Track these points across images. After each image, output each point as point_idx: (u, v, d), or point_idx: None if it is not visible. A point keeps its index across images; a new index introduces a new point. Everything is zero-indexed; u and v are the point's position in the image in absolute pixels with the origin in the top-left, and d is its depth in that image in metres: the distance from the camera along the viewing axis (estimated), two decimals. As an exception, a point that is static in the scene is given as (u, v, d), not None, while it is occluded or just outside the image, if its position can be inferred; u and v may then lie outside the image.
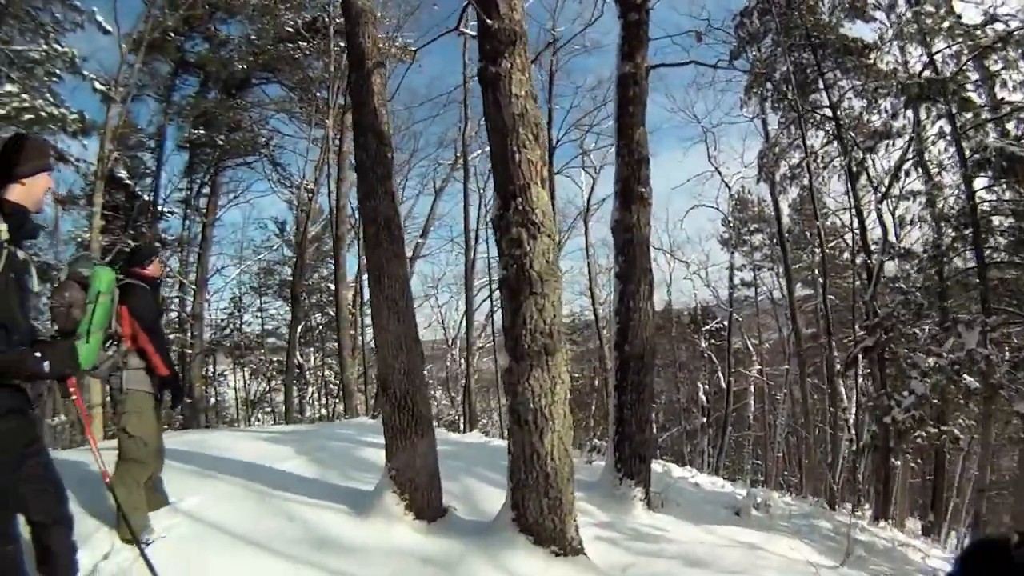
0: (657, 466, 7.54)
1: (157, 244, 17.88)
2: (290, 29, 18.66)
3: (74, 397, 3.00)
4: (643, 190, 5.97)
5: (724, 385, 24.35)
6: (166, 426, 17.68)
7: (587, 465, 7.20)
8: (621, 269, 6.02)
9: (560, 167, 18.60)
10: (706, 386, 26.47)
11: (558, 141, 18.09)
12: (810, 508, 8.97)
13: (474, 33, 4.72)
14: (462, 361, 22.20)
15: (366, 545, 4.11)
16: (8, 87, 12.72)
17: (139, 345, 4.08)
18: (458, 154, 19.99)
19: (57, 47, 13.95)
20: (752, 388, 27.14)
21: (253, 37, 19.39)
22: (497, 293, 13.76)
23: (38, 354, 2.49)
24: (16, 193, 2.60)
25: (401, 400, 4.46)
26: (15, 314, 2.51)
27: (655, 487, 6.18)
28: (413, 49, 15.84)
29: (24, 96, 12.57)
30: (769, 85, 16.13)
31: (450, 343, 26.26)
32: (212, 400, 24.54)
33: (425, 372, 5.20)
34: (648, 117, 6.23)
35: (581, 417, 21.07)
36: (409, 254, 21.79)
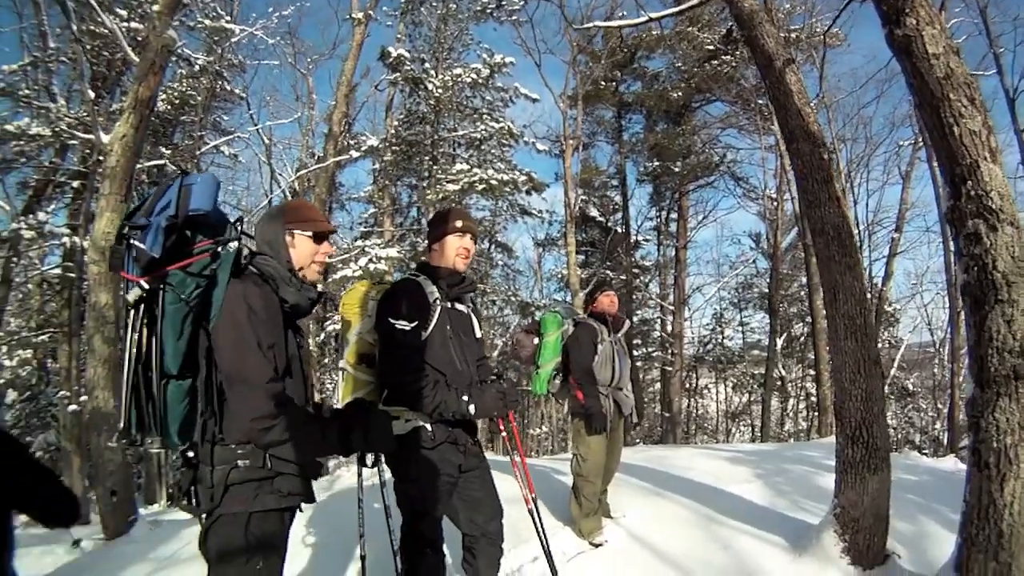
0: None
1: (617, 279, 19.56)
2: (710, 47, 18.69)
3: (503, 433, 3.36)
4: None
5: None
6: (639, 440, 19.17)
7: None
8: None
9: (1028, 120, 14.29)
10: None
11: (1016, 91, 14.06)
12: None
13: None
14: (949, 368, 18.65)
15: (787, 588, 3.74)
16: (458, 166, 15.60)
17: (571, 376, 4.72)
18: (915, 131, 16.96)
19: (494, 124, 16.59)
20: None
21: (679, 64, 20.11)
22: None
23: (465, 397, 2.88)
24: (435, 258, 3.16)
25: (856, 430, 3.94)
26: (454, 362, 3.00)
27: None
28: (830, 31, 14.30)
29: (475, 170, 15.15)
30: None
31: (937, 346, 22.37)
32: (694, 412, 25.52)
33: (885, 392, 4.54)
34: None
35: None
36: (886, 252, 19.58)
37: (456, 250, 3.11)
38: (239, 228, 2.30)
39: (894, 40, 3.26)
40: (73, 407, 11.55)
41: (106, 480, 5.82)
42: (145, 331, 2.06)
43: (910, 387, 22.42)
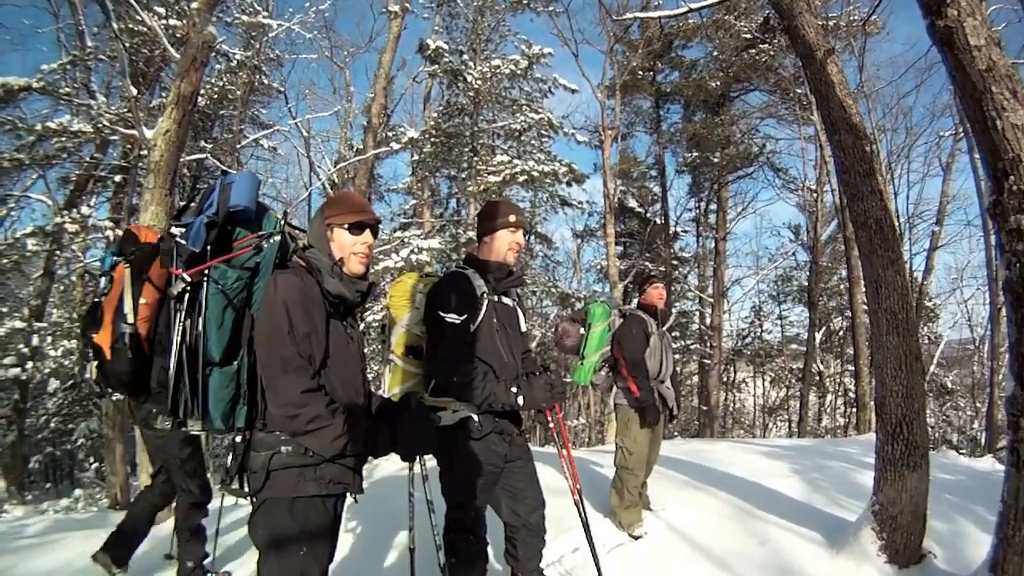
0: None
1: (656, 270, 19.41)
2: (747, 36, 18.42)
3: (551, 424, 3.39)
4: None
5: None
6: (676, 434, 19.05)
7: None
8: None
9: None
10: None
11: None
12: None
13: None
14: (989, 366, 18.11)
15: (823, 584, 3.73)
16: (499, 157, 15.63)
17: (621, 368, 4.70)
18: (956, 121, 16.40)
19: (534, 115, 16.59)
20: None
21: (716, 54, 19.84)
22: None
23: (514, 389, 2.93)
24: (484, 251, 3.18)
25: (896, 427, 3.91)
26: (501, 354, 3.05)
27: None
28: (870, 19, 13.98)
29: (516, 161, 15.14)
30: None
31: (977, 344, 21.73)
32: (732, 406, 25.29)
33: (926, 388, 4.46)
34: None
35: None
36: (927, 246, 19.14)
37: (508, 244, 3.13)
38: (284, 222, 2.41)
39: (935, 31, 3.21)
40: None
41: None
42: (188, 321, 2.17)
43: (949, 385, 21.86)
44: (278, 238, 2.34)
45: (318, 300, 2.30)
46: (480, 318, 2.98)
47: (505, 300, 3.19)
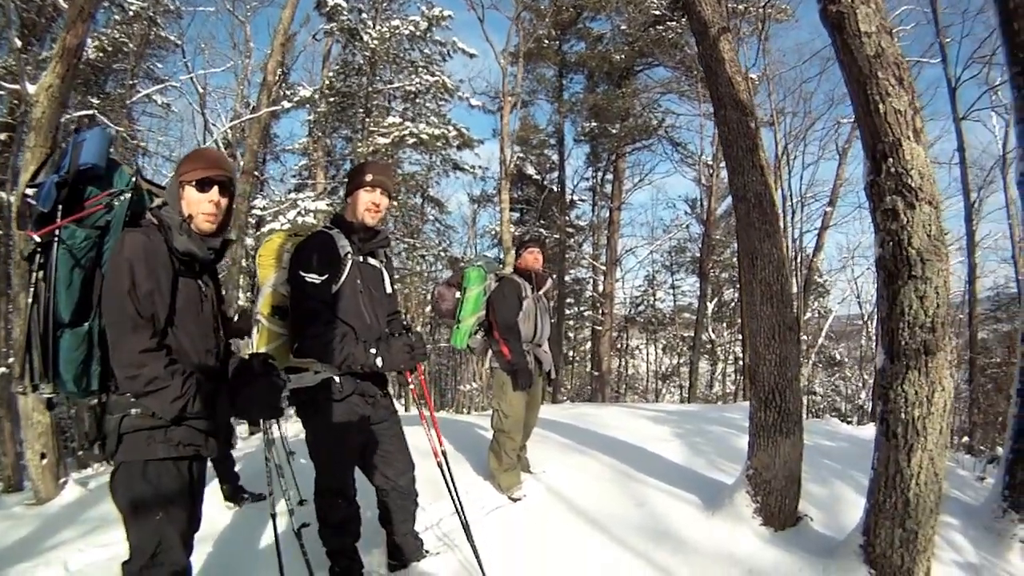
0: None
1: (550, 237, 19.68)
2: (656, 12, 18.66)
3: (411, 386, 3.38)
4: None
5: None
6: (566, 398, 19.55)
7: (977, 483, 5.58)
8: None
9: (966, 111, 14.65)
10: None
11: (958, 80, 14.67)
12: None
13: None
14: (875, 340, 19.30)
15: (699, 545, 3.87)
16: (390, 119, 15.43)
17: (494, 331, 4.71)
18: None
19: (429, 78, 16.45)
20: None
21: (623, 27, 20.08)
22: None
23: (373, 350, 2.90)
24: (349, 211, 3.15)
25: (769, 394, 4.07)
26: (363, 315, 3.02)
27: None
28: (775, 5, 14.54)
29: (407, 124, 15.00)
30: None
31: (865, 319, 23.08)
32: (625, 372, 26.13)
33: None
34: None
35: (992, 415, 15.21)
36: (818, 225, 20.12)
37: (365, 204, 3.09)
38: (138, 178, 2.35)
39: (828, 15, 3.30)
40: (1, 369, 11.05)
41: (34, 443, 5.60)
42: (42, 284, 2.12)
43: (837, 356, 23.37)
44: (128, 196, 2.26)
45: (163, 258, 2.25)
46: (343, 279, 2.97)
47: (371, 261, 3.18)
